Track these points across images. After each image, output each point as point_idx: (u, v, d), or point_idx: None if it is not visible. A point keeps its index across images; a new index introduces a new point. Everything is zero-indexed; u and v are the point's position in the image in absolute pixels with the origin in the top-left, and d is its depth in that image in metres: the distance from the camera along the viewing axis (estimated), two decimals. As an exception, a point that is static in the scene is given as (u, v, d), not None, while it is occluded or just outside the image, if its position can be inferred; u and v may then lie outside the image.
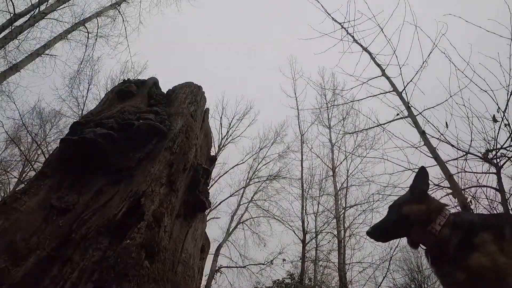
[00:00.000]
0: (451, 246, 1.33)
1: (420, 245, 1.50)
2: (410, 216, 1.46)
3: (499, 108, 4.14)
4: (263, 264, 13.92)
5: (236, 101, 23.34)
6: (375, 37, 5.51)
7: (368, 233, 1.59)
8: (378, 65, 5.48)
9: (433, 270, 1.46)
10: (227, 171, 15.34)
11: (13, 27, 8.89)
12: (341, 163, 14.46)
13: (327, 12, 5.96)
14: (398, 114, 5.08)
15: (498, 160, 4.42)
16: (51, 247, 2.12)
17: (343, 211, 13.55)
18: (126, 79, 4.06)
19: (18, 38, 9.49)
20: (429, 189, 1.58)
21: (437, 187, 4.77)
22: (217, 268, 13.28)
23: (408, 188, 1.61)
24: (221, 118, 16.82)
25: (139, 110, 3.30)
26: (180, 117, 3.37)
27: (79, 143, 2.68)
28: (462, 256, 1.28)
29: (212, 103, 16.59)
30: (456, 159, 4.55)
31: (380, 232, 1.58)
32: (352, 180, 13.92)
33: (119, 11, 12.28)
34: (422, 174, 1.59)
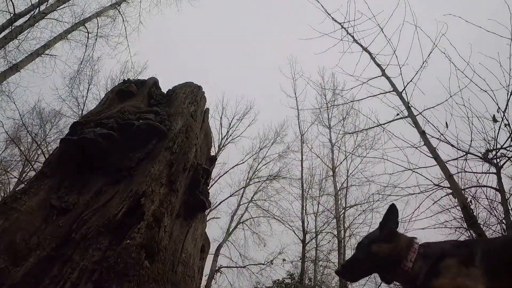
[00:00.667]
0: (421, 277, 1.36)
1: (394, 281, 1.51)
2: (379, 255, 1.47)
3: (499, 108, 4.14)
4: (263, 264, 13.92)
5: (236, 101, 23.34)
6: (375, 37, 5.51)
7: (337, 272, 1.61)
8: (378, 65, 5.49)
9: None
10: (227, 171, 15.35)
11: (13, 27, 8.89)
12: (341, 163, 14.47)
13: (327, 12, 5.96)
14: (398, 114, 5.08)
15: (498, 160, 4.42)
16: (51, 247, 2.12)
17: (343, 211, 13.55)
18: (126, 79, 4.06)
19: (18, 38, 9.49)
20: (397, 225, 1.58)
21: (437, 187, 4.78)
22: (217, 268, 13.28)
23: (379, 225, 1.61)
24: (221, 118, 16.82)
25: (139, 110, 3.30)
26: (180, 117, 3.37)
27: (79, 143, 2.68)
28: (428, 283, 1.31)
29: (212, 103, 16.59)
30: (456, 159, 4.55)
31: (350, 272, 1.60)
32: (352, 180, 13.93)
33: (119, 11, 12.29)
34: (392, 212, 1.59)
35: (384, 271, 1.51)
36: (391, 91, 5.23)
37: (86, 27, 11.40)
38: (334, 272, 1.51)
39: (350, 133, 13.14)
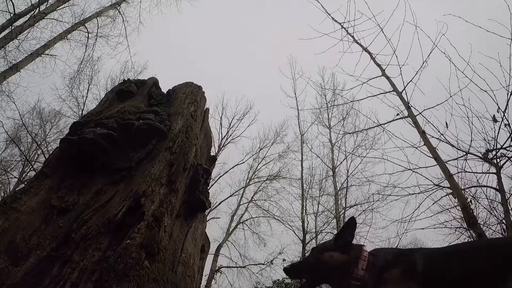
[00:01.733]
0: (370, 286, 1.39)
1: None
2: (328, 263, 1.48)
3: (499, 108, 4.14)
4: (263, 264, 13.92)
5: (236, 101, 23.34)
6: (375, 37, 5.51)
7: (285, 269, 1.62)
8: (378, 65, 5.48)
9: None
10: (227, 171, 15.35)
11: (13, 27, 8.89)
12: (341, 163, 14.46)
13: (327, 12, 5.96)
14: (398, 114, 5.08)
15: (498, 160, 4.42)
16: (51, 247, 2.12)
17: (343, 211, 13.55)
18: (126, 79, 4.06)
19: (18, 38, 9.49)
20: (353, 238, 1.59)
21: (437, 187, 4.78)
22: (217, 268, 13.28)
23: (335, 237, 1.62)
24: (221, 118, 16.82)
25: (139, 110, 3.30)
26: (180, 117, 3.37)
27: (79, 143, 2.68)
28: None
29: (212, 103, 16.59)
30: (456, 159, 4.55)
31: (298, 274, 1.61)
32: (352, 180, 13.92)
33: (119, 11, 12.28)
34: (350, 225, 1.60)
35: (335, 283, 1.51)
36: (391, 91, 5.23)
37: (86, 27, 11.40)
38: (283, 269, 1.56)
39: (350, 133, 13.14)
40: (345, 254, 1.49)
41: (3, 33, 8.77)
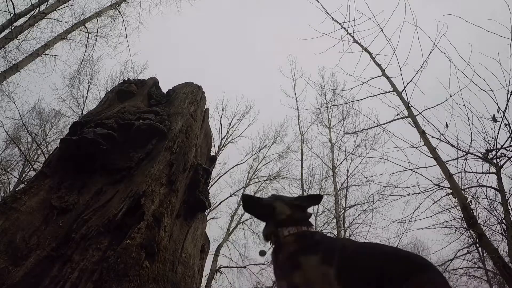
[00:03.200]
0: (285, 255, 1.46)
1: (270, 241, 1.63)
2: (275, 210, 1.63)
3: (499, 108, 4.14)
4: (263, 264, 13.91)
5: (236, 101, 23.28)
6: (375, 37, 5.51)
7: (243, 195, 1.79)
8: (378, 65, 5.48)
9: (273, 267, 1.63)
10: (227, 171, 15.33)
11: (13, 27, 8.88)
12: (341, 163, 14.44)
13: (327, 12, 5.96)
14: (398, 114, 5.08)
15: (498, 160, 4.42)
16: (51, 247, 2.12)
17: (343, 211, 13.55)
18: (126, 79, 4.06)
19: (18, 38, 9.47)
20: (309, 207, 1.72)
21: (437, 187, 4.78)
22: (217, 268, 13.27)
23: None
24: (221, 118, 16.78)
25: (139, 110, 3.30)
26: (180, 117, 3.37)
27: (79, 143, 2.68)
28: (289, 270, 1.40)
29: (212, 103, 16.56)
30: (456, 159, 4.54)
31: (251, 204, 1.77)
32: (352, 180, 13.90)
33: (119, 11, 12.27)
34: (317, 199, 1.77)
35: (267, 225, 1.65)
36: (391, 91, 5.23)
37: (86, 27, 11.39)
38: (242, 195, 1.71)
39: (350, 133, 13.12)
40: (292, 210, 1.62)
41: (3, 33, 8.76)
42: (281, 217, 1.60)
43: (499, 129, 4.19)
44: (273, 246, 1.59)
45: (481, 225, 4.34)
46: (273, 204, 1.68)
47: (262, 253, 1.79)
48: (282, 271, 1.45)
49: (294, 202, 1.68)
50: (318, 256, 1.39)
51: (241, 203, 1.85)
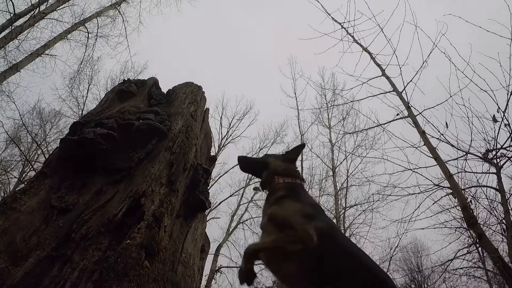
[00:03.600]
0: (273, 197, 1.68)
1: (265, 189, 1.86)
2: (269, 165, 1.85)
3: (499, 108, 4.14)
4: (263, 264, 13.89)
5: (236, 101, 23.30)
6: (375, 37, 5.51)
7: (239, 157, 1.98)
8: (378, 65, 5.49)
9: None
10: (227, 171, 15.33)
11: (13, 27, 8.89)
12: (341, 163, 14.45)
13: (327, 12, 5.97)
14: (398, 114, 5.08)
15: (498, 160, 4.43)
16: (51, 247, 2.12)
17: (343, 211, 13.55)
18: (126, 79, 4.06)
19: (18, 38, 9.48)
20: (296, 159, 1.98)
21: (437, 187, 4.78)
22: (217, 268, 13.27)
23: None
24: (221, 118, 16.79)
25: (139, 110, 3.30)
26: (180, 117, 3.37)
27: (79, 143, 2.67)
28: (272, 205, 1.63)
29: (212, 103, 16.58)
30: (456, 159, 4.55)
31: (247, 163, 2.02)
32: (352, 180, 13.91)
33: (119, 11, 12.28)
34: (300, 148, 2.02)
35: (264, 177, 1.85)
36: (391, 91, 5.23)
37: (86, 27, 11.40)
38: (238, 156, 1.92)
39: (350, 133, 13.13)
40: (284, 163, 1.86)
41: (3, 33, 8.77)
42: (278, 169, 1.82)
43: (499, 129, 4.20)
44: (267, 191, 1.80)
45: (481, 225, 4.34)
46: (267, 160, 1.91)
47: (256, 189, 1.98)
48: (267, 207, 1.67)
49: (284, 156, 1.94)
50: (299, 204, 1.58)
51: (238, 164, 2.04)
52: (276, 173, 1.79)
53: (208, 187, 3.74)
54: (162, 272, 2.37)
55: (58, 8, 10.37)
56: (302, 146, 2.10)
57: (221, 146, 15.88)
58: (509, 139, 4.11)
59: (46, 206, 2.37)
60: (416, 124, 4.71)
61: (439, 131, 4.51)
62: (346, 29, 5.86)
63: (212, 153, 4.69)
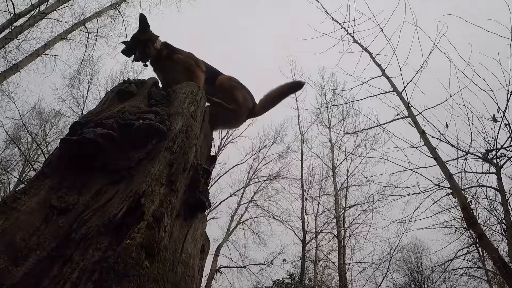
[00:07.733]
0: (163, 56, 2.32)
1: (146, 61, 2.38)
2: (140, 39, 2.33)
3: (499, 108, 4.15)
4: (263, 264, 13.91)
5: (236, 101, 23.26)
6: (375, 37, 5.53)
7: (123, 51, 2.38)
8: (378, 65, 5.50)
9: (153, 69, 2.44)
10: (227, 171, 15.35)
11: (13, 27, 8.89)
12: (341, 163, 14.48)
13: (327, 12, 5.98)
14: (398, 114, 5.09)
15: (498, 160, 4.43)
16: (51, 247, 2.12)
17: (343, 211, 13.57)
18: (126, 79, 4.06)
19: (18, 38, 9.48)
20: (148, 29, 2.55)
21: (437, 187, 4.78)
22: (217, 268, 13.29)
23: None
24: (221, 118, 16.78)
25: (139, 110, 3.29)
26: (180, 117, 3.37)
27: (79, 143, 2.68)
28: (168, 61, 2.33)
29: (212, 103, 16.51)
30: (456, 159, 4.55)
31: (130, 50, 2.38)
32: (352, 180, 13.94)
33: (119, 11, 12.27)
34: (143, 20, 2.40)
35: (143, 50, 2.32)
36: (391, 91, 5.24)
37: (86, 27, 11.40)
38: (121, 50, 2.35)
39: (350, 133, 13.16)
40: (147, 33, 2.36)
41: (3, 33, 8.77)
42: (146, 39, 2.37)
43: (499, 129, 4.21)
44: (152, 59, 2.42)
45: (481, 225, 4.35)
46: (142, 36, 2.40)
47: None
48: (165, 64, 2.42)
49: (141, 28, 2.39)
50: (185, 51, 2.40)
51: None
52: (151, 41, 2.33)
53: (208, 187, 3.74)
54: (162, 272, 2.37)
55: (58, 8, 10.37)
56: (143, 18, 2.46)
57: (221, 146, 15.91)
58: (509, 139, 4.12)
59: (46, 206, 2.37)
60: (416, 124, 4.72)
61: (439, 131, 4.53)
62: (346, 29, 5.88)
63: (212, 153, 4.69)
